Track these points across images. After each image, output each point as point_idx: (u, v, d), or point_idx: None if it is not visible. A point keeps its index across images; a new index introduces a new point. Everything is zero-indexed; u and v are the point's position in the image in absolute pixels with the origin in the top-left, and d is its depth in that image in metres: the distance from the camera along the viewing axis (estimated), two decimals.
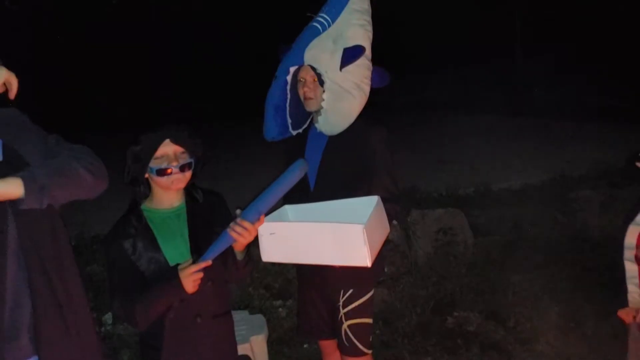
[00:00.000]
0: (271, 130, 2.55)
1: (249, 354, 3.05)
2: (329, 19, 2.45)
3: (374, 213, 1.99)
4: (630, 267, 2.28)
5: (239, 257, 1.96)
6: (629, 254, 2.25)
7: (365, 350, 2.47)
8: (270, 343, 3.34)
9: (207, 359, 2.03)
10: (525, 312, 3.92)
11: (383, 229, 2.11)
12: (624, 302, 2.31)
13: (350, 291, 2.42)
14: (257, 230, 1.88)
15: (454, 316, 3.98)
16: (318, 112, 2.41)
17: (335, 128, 2.41)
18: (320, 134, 2.46)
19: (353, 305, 2.43)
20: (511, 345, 3.59)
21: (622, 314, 2.31)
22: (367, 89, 2.45)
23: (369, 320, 2.47)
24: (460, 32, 14.71)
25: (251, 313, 3.46)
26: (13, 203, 1.48)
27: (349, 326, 2.43)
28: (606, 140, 8.83)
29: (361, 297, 2.43)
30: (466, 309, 4.02)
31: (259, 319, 3.33)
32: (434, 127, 11.52)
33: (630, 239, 2.26)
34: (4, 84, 1.56)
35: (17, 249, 1.51)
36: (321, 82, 2.38)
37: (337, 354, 2.59)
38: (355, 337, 2.43)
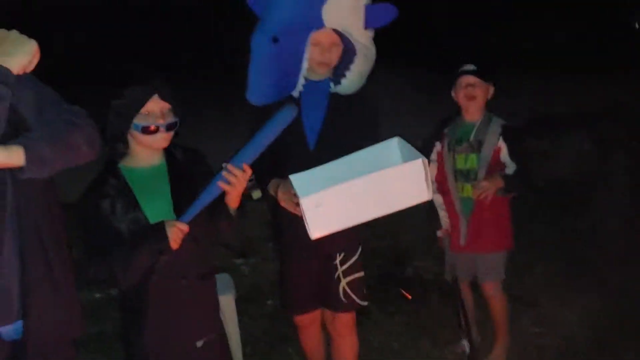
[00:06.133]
0: (267, 94, 2.30)
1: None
2: None
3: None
4: (437, 198, 2.88)
5: (232, 213, 1.91)
6: (433, 187, 2.74)
7: (361, 302, 2.53)
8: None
9: (192, 320, 1.98)
10: None
11: None
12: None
13: (344, 252, 2.47)
14: (246, 179, 1.82)
15: (412, 266, 4.08)
16: (334, 73, 2.31)
17: (357, 87, 2.35)
18: (318, 91, 2.35)
19: (348, 264, 2.48)
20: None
21: (440, 233, 2.94)
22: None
23: (362, 274, 2.54)
24: None
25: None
26: (12, 170, 1.46)
27: (347, 283, 2.48)
28: (541, 90, 9.05)
29: (354, 255, 2.50)
30: (423, 259, 4.12)
31: (225, 278, 3.27)
32: None
33: None
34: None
35: (13, 214, 1.49)
36: (347, 45, 2.24)
37: (316, 325, 2.67)
38: (353, 292, 2.49)
